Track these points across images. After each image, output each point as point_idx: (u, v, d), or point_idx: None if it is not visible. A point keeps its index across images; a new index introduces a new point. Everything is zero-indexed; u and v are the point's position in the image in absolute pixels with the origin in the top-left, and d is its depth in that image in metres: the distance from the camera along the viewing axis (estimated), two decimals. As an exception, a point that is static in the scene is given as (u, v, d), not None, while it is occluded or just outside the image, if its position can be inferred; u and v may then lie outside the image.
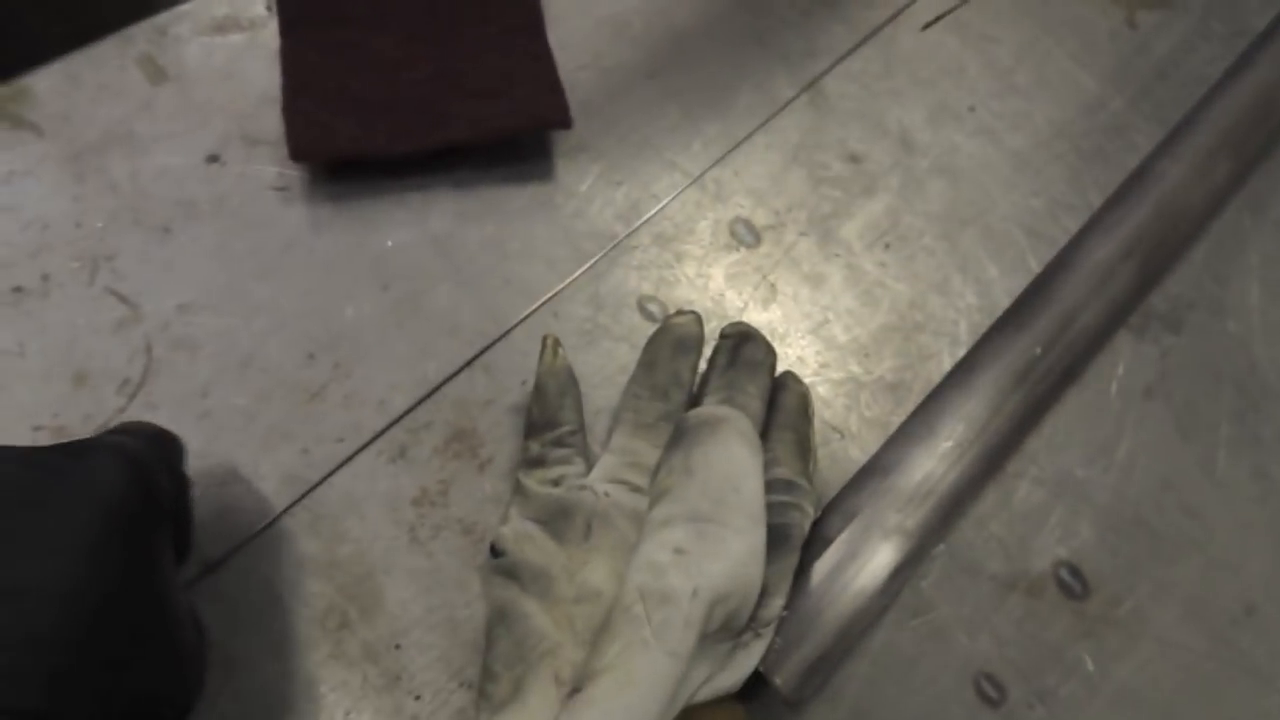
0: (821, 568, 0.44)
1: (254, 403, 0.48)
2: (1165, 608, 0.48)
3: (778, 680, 0.41)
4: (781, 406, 0.46)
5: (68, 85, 0.55)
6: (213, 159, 0.54)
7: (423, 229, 0.53)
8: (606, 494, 0.43)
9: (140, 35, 0.57)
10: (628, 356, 0.51)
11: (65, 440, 0.35)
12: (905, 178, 0.59)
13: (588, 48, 0.61)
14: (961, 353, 0.53)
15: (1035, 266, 0.56)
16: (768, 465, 0.43)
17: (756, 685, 0.40)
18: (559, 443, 0.45)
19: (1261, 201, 0.60)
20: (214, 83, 0.56)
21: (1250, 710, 0.46)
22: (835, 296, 0.54)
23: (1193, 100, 0.63)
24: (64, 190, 0.52)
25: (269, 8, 0.59)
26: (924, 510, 0.46)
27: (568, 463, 0.45)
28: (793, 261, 0.55)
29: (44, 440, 0.46)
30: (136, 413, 0.47)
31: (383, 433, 0.48)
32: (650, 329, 0.49)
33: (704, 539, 0.39)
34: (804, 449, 0.45)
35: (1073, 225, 0.58)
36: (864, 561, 0.44)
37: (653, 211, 0.56)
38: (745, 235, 0.56)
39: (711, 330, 0.50)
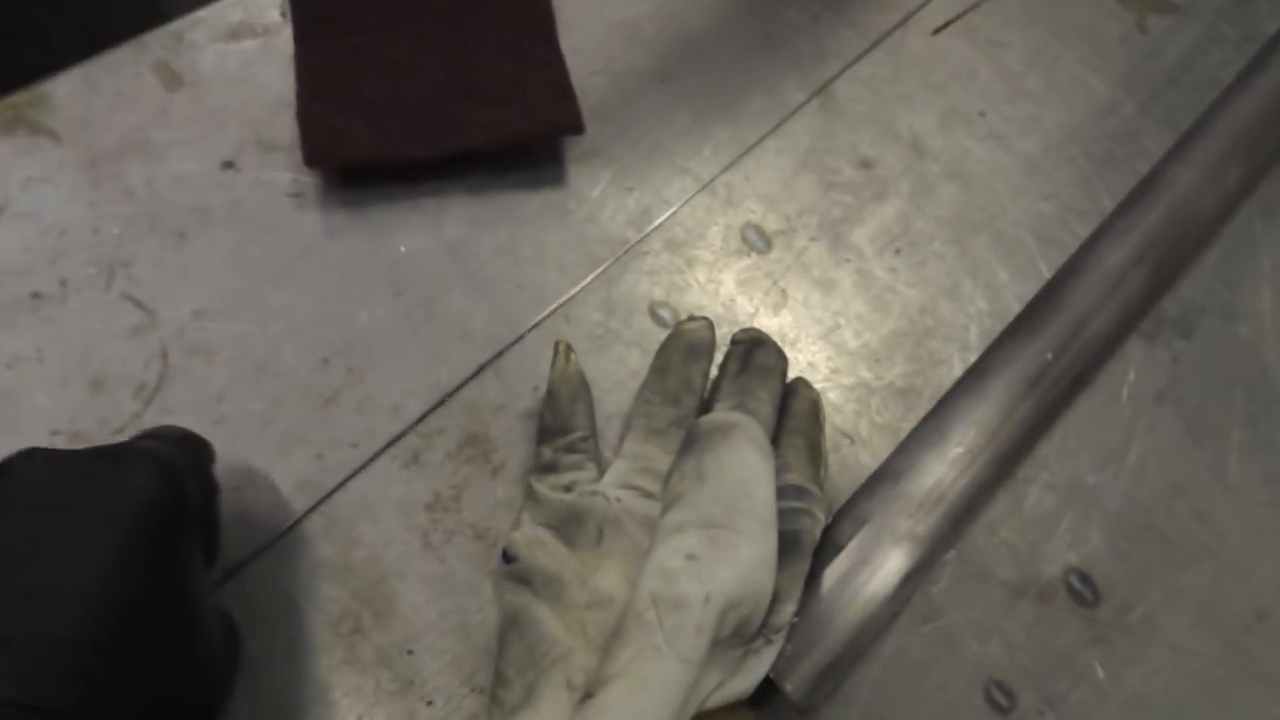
0: (832, 574, 0.44)
1: (269, 408, 0.48)
2: (1176, 614, 0.48)
3: (788, 686, 0.41)
4: (793, 412, 0.47)
5: (85, 92, 0.55)
6: (228, 165, 0.54)
7: (436, 234, 0.54)
8: (618, 499, 0.43)
9: (156, 42, 0.57)
10: (639, 362, 0.51)
11: (82, 445, 0.36)
12: (916, 183, 0.59)
13: (599, 53, 0.61)
14: (972, 358, 0.53)
15: (1046, 272, 0.56)
16: (779, 471, 0.44)
17: (767, 691, 0.40)
18: (571, 448, 0.45)
19: (1273, 206, 0.60)
20: (229, 89, 0.57)
21: (1262, 716, 0.46)
22: (846, 302, 0.55)
23: (1204, 105, 0.63)
24: (81, 196, 0.52)
25: (283, 14, 0.59)
26: (935, 516, 0.46)
27: (580, 468, 0.45)
28: (803, 267, 0.55)
29: (61, 445, 0.46)
30: (152, 418, 0.47)
31: (396, 438, 0.48)
32: (662, 334, 0.50)
33: (716, 545, 0.40)
34: (815, 455, 0.46)
35: (1083, 230, 0.58)
36: (875, 567, 0.44)
37: (664, 217, 0.56)
38: (756, 240, 0.56)
39: (723, 336, 0.50)
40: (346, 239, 0.53)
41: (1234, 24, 0.68)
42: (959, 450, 0.48)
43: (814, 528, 0.43)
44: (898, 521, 0.45)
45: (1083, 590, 0.48)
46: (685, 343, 0.48)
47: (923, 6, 0.66)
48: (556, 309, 0.52)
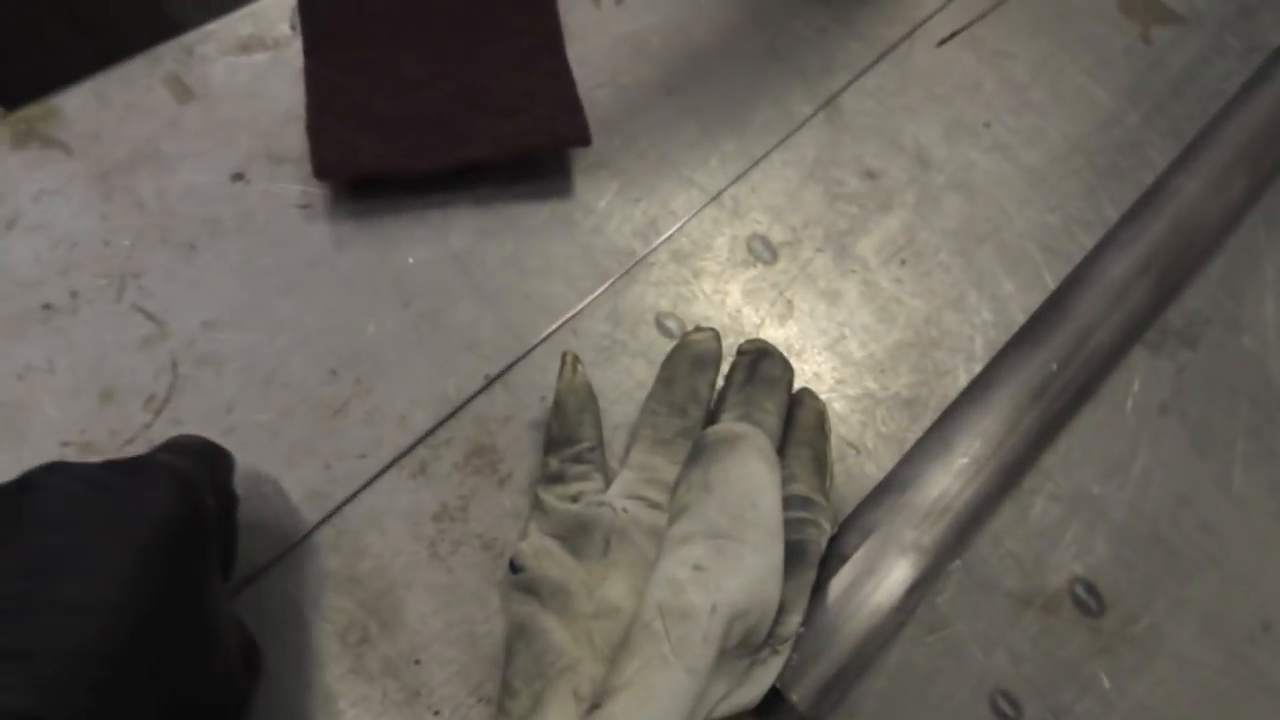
0: (838, 584, 0.44)
1: (277, 419, 0.49)
2: (1181, 624, 0.48)
3: (795, 697, 0.41)
4: (798, 423, 0.47)
5: (96, 105, 0.56)
6: (238, 177, 0.55)
7: (443, 246, 0.54)
8: (625, 510, 0.44)
9: (167, 55, 0.58)
10: (646, 373, 0.51)
11: (92, 456, 0.36)
12: (921, 194, 0.59)
13: (607, 66, 0.61)
14: (977, 369, 0.53)
15: (1051, 283, 0.56)
16: (785, 482, 0.44)
17: (774, 701, 0.41)
18: (578, 459, 0.46)
19: (1277, 217, 0.61)
20: (239, 101, 0.57)
21: (1267, 727, 0.47)
22: (851, 312, 0.55)
23: (1208, 115, 0.63)
24: (92, 209, 0.53)
25: (293, 27, 0.59)
26: (940, 527, 0.46)
27: (586, 479, 0.45)
28: (809, 278, 0.56)
29: (71, 456, 0.46)
30: (162, 428, 0.48)
31: (404, 449, 0.48)
32: (668, 345, 0.50)
33: (722, 555, 0.40)
34: (821, 465, 0.46)
35: (1088, 241, 0.58)
36: (880, 578, 0.44)
37: (671, 228, 0.56)
38: (762, 252, 0.56)
39: (729, 346, 0.50)
40: (355, 250, 0.53)
41: (1238, 35, 0.68)
42: (964, 461, 0.48)
43: (820, 538, 0.43)
44: (903, 532, 0.46)
45: (1088, 600, 0.48)
46: (692, 353, 0.48)
47: (928, 19, 0.66)
48: (564, 320, 0.53)
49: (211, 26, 0.59)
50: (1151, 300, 0.55)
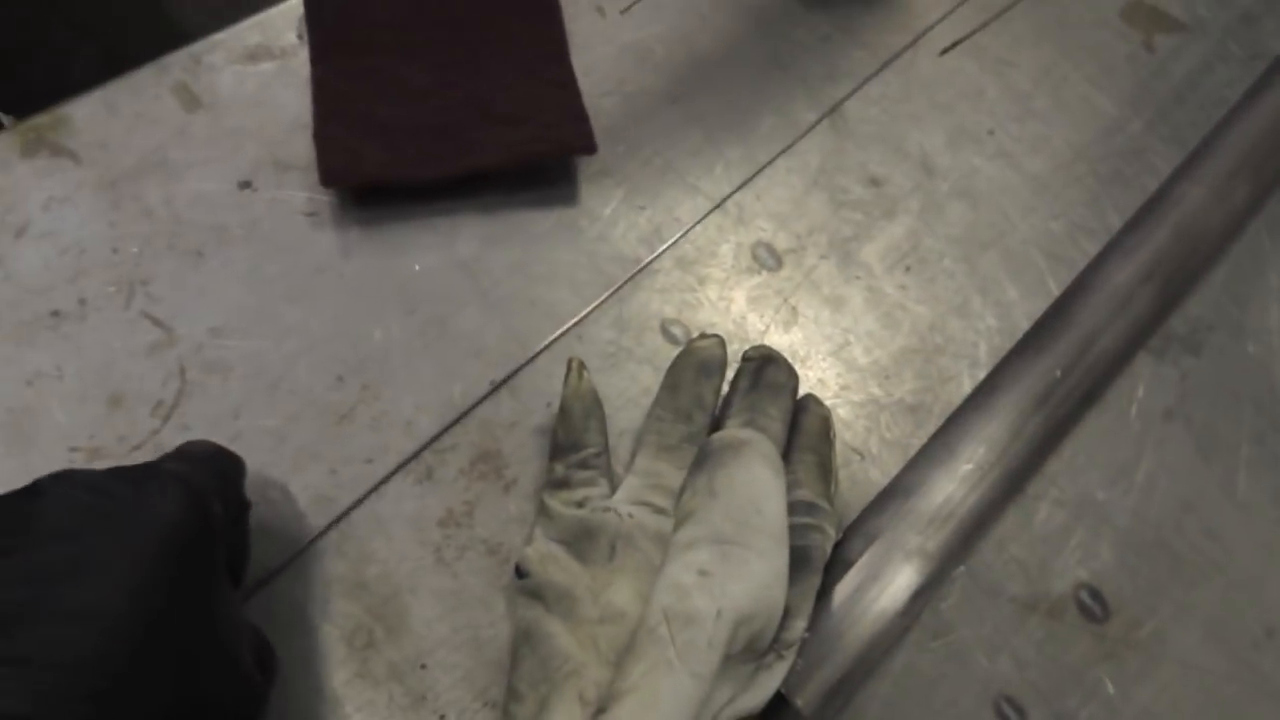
0: (843, 589, 0.44)
1: (284, 424, 0.49)
2: (1186, 630, 0.48)
3: (799, 701, 0.41)
4: (803, 429, 0.47)
5: (105, 113, 0.56)
6: (245, 185, 0.55)
7: (449, 253, 0.54)
8: (630, 515, 0.44)
9: (175, 64, 0.58)
10: (651, 379, 0.51)
11: (100, 461, 0.36)
12: (925, 201, 0.59)
13: (612, 74, 0.62)
14: (981, 375, 0.53)
15: (1055, 289, 0.57)
16: (790, 487, 0.44)
17: (778, 706, 0.41)
18: (583, 464, 0.46)
19: (1281, 224, 0.61)
20: (246, 110, 0.57)
21: (1272, 733, 0.46)
22: (856, 319, 0.55)
23: (1211, 123, 0.63)
24: (101, 216, 0.53)
25: (300, 36, 0.60)
26: (944, 532, 0.46)
27: (592, 484, 0.45)
28: (814, 284, 0.56)
29: (79, 461, 0.47)
30: (170, 434, 0.48)
31: (410, 454, 0.49)
32: (673, 352, 0.50)
33: (728, 561, 0.40)
34: (825, 471, 0.46)
35: (1092, 248, 0.58)
36: (885, 583, 0.44)
37: (675, 235, 0.56)
38: (767, 259, 0.56)
39: (734, 353, 0.50)
40: (361, 257, 0.54)
41: (1240, 42, 0.68)
42: (969, 467, 0.48)
43: (825, 543, 0.43)
44: (908, 537, 0.46)
45: (1093, 606, 0.48)
46: (697, 360, 0.48)
47: (932, 27, 0.67)
48: (569, 327, 0.53)
49: (219, 36, 0.60)
50: (1155, 307, 0.55)
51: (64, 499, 0.34)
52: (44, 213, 0.53)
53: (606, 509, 0.44)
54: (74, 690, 0.29)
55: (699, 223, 0.57)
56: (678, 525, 0.43)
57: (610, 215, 0.57)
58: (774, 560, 0.40)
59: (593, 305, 0.53)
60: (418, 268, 0.54)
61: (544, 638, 0.41)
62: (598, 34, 0.63)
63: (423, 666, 0.44)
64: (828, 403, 0.49)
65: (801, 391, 0.49)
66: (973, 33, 0.67)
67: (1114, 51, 0.67)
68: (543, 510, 0.45)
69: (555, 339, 0.52)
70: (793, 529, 0.42)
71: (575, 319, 0.53)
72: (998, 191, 0.60)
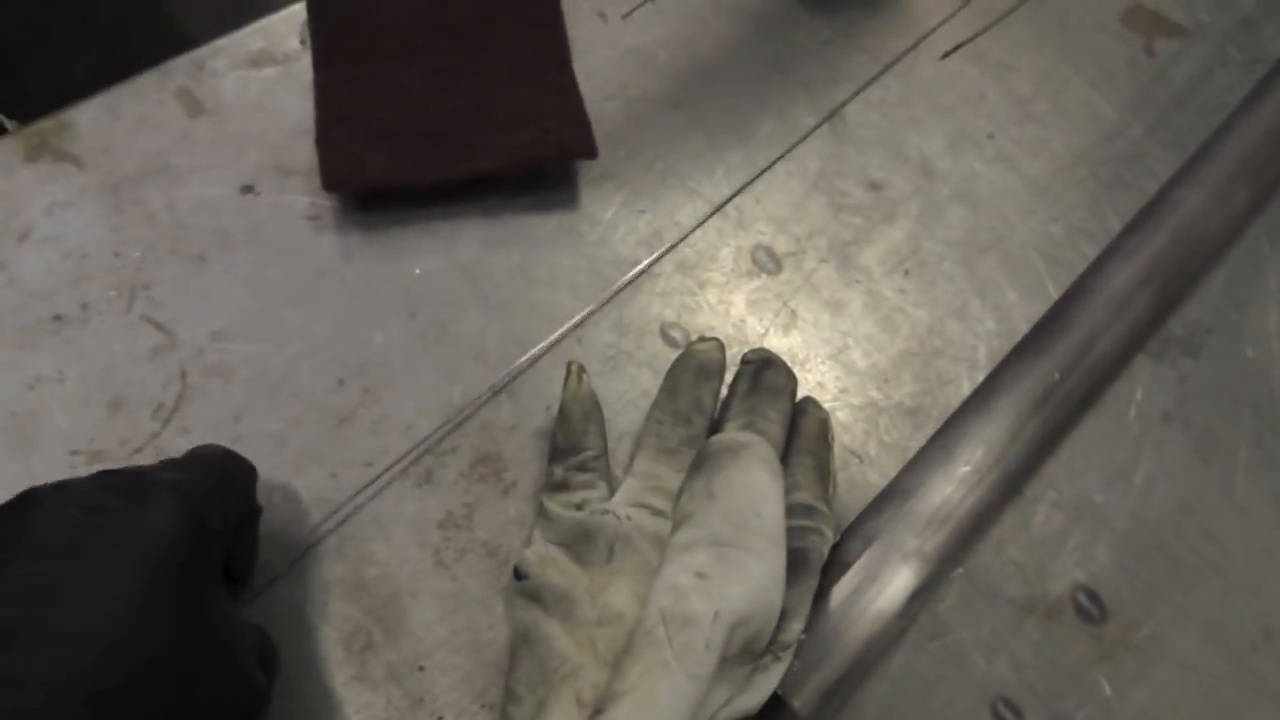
0: (840, 591, 0.44)
1: (285, 427, 0.49)
2: (1184, 632, 0.48)
3: (796, 703, 0.41)
4: (802, 432, 0.47)
5: (108, 118, 0.56)
6: (247, 189, 0.55)
7: (450, 257, 0.55)
8: (629, 517, 0.44)
9: (178, 69, 0.59)
10: (650, 382, 0.52)
11: (101, 464, 0.37)
12: (925, 205, 0.59)
13: (613, 78, 0.62)
14: (980, 378, 0.53)
15: (1054, 292, 0.57)
16: (788, 490, 0.44)
17: (776, 708, 0.41)
18: (582, 467, 0.46)
19: (1280, 227, 0.61)
20: (249, 115, 0.58)
21: (1270, 736, 0.46)
22: (855, 322, 0.55)
23: (1211, 127, 0.63)
24: (103, 221, 0.53)
25: (303, 42, 0.60)
26: (942, 534, 0.46)
27: (591, 487, 0.46)
28: (813, 288, 0.56)
29: (81, 465, 0.47)
30: (171, 438, 0.48)
31: (410, 457, 0.49)
32: (673, 355, 0.50)
33: (725, 563, 0.40)
34: (824, 474, 0.46)
35: (1091, 251, 0.58)
36: (883, 585, 0.44)
37: (676, 239, 0.56)
38: (766, 262, 0.57)
39: (733, 356, 0.50)
40: (362, 261, 0.54)
41: (1240, 47, 0.68)
42: (967, 469, 0.48)
43: (822, 546, 0.43)
44: (905, 539, 0.46)
45: (1090, 608, 0.48)
46: (696, 363, 0.48)
47: (933, 31, 0.67)
48: (569, 330, 0.53)
49: (222, 41, 0.60)
50: (1154, 310, 0.55)
51: (54, 514, 0.33)
52: (47, 217, 0.53)
53: (605, 511, 0.44)
54: (70, 710, 0.29)
55: (699, 226, 0.57)
56: (676, 527, 0.43)
57: (610, 219, 0.57)
58: (771, 562, 0.41)
59: (592, 308, 0.54)
60: (418, 271, 0.54)
61: (542, 639, 0.41)
62: (600, 39, 0.63)
63: (421, 669, 0.44)
64: (826, 406, 0.50)
65: (800, 394, 0.49)
66: (974, 37, 0.67)
67: (1114, 56, 0.67)
68: (542, 512, 0.45)
69: (555, 342, 0.53)
70: (790, 531, 0.42)
71: (575, 322, 0.53)
72: (997, 195, 0.60)
